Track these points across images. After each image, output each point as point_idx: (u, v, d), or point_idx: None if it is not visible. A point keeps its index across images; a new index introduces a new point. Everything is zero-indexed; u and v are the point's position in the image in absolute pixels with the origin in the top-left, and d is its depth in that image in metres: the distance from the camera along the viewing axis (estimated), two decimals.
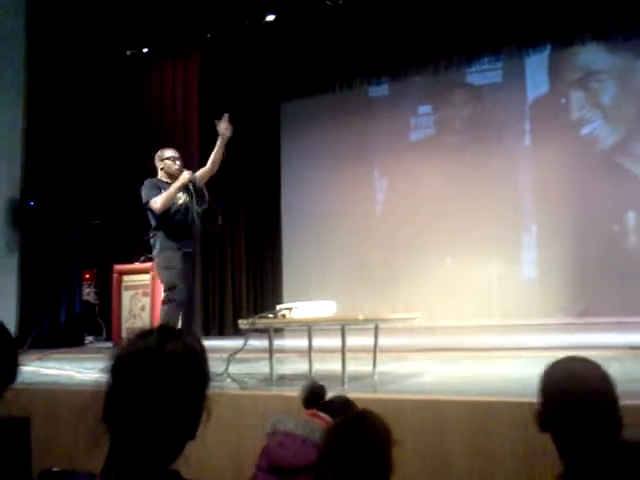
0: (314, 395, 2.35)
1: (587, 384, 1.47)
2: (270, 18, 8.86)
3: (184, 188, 4.69)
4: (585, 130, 8.54)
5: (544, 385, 1.56)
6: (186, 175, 4.69)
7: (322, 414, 2.16)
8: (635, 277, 7.91)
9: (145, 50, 9.70)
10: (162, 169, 4.87)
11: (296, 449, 1.98)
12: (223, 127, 4.81)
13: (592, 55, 8.48)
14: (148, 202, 4.68)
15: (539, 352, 4.96)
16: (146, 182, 4.83)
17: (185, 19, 8.79)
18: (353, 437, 1.69)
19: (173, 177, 4.77)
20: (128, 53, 9.65)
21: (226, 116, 4.80)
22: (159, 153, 4.95)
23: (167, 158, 4.87)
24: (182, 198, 4.71)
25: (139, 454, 1.16)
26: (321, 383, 2.49)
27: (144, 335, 1.22)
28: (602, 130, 8.45)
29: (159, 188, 4.72)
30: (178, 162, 4.87)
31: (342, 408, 2.19)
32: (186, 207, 4.71)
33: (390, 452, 1.72)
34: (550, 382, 1.54)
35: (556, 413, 1.49)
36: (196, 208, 4.73)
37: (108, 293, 7.48)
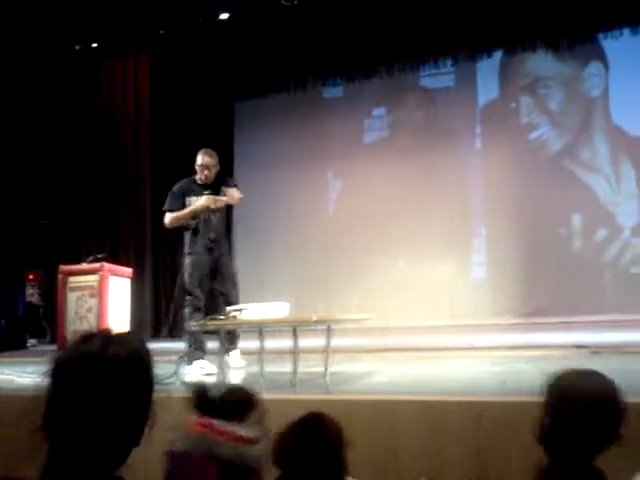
0: (203, 399, 2.12)
1: (602, 401, 1.44)
2: (224, 16, 8.78)
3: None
4: (534, 135, 8.74)
5: (555, 400, 1.49)
6: (201, 202, 4.75)
7: (216, 422, 1.86)
8: (581, 278, 8.14)
9: (94, 45, 9.45)
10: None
11: (195, 470, 1.84)
12: (235, 197, 4.85)
13: (540, 62, 8.69)
14: (164, 212, 4.87)
15: (489, 352, 5.04)
16: (178, 184, 4.93)
17: (137, 14, 8.60)
18: (306, 441, 1.67)
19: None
20: (77, 48, 9.39)
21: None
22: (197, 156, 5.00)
23: (197, 164, 4.92)
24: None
25: (80, 461, 1.11)
26: (203, 382, 2.29)
27: (87, 338, 1.17)
28: (550, 135, 8.67)
29: (183, 196, 4.83)
30: (205, 172, 4.89)
31: (239, 405, 2.01)
32: (206, 218, 4.82)
33: (344, 454, 1.70)
34: (565, 398, 1.47)
35: (565, 427, 1.43)
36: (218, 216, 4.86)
37: (53, 294, 7.28)
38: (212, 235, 4.85)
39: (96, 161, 9.38)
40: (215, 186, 4.92)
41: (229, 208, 5.16)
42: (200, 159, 4.93)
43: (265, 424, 1.93)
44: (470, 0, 7.93)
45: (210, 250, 4.86)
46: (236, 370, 4.50)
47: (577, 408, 1.41)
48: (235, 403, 1.99)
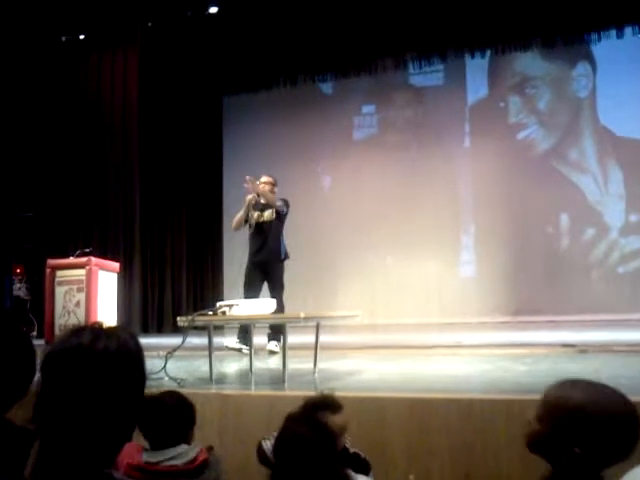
0: None
1: (611, 410, 1.36)
2: (213, 10, 8.72)
3: (255, 206, 5.44)
4: (522, 134, 8.79)
5: (555, 410, 1.40)
6: (248, 197, 5.44)
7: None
8: (567, 277, 8.21)
9: (82, 37, 9.34)
10: None
11: None
12: (258, 189, 5.38)
13: (529, 62, 8.74)
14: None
15: (476, 349, 5.06)
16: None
17: (125, 6, 8.53)
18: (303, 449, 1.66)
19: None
20: (63, 39, 9.28)
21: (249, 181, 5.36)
22: None
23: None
24: (254, 216, 5.45)
25: (70, 456, 1.10)
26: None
27: (77, 332, 1.16)
28: (538, 135, 8.72)
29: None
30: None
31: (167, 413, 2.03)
32: (257, 223, 5.45)
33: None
34: (566, 406, 1.38)
35: (566, 439, 1.35)
36: (265, 219, 5.45)
37: (41, 288, 7.21)
38: None
39: (84, 154, 9.30)
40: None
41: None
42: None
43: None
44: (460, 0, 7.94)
45: None
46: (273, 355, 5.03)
47: (584, 421, 1.34)
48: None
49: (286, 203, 5.58)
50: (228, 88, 9.65)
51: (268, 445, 1.98)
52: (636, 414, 1.36)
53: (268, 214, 5.49)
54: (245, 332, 5.04)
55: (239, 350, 5.11)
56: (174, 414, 2.05)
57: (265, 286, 5.47)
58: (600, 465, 1.35)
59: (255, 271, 5.44)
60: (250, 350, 4.10)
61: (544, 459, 1.39)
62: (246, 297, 5.14)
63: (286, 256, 5.55)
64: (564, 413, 1.37)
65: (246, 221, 5.52)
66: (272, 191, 5.57)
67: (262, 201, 5.50)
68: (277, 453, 1.74)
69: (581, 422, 1.34)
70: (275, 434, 2.05)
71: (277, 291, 5.35)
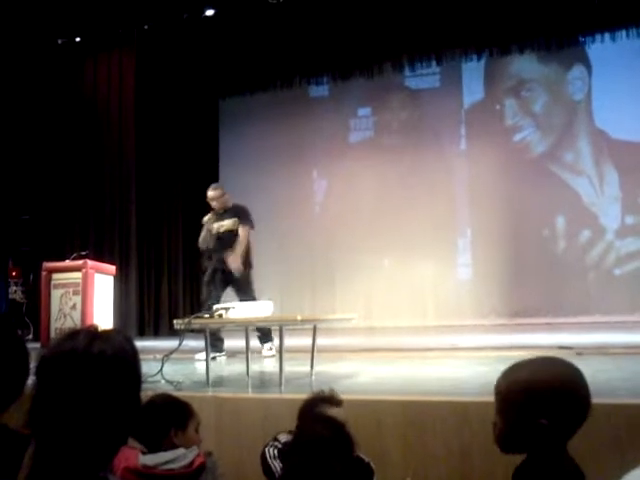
0: None
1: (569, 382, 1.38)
2: (210, 13, 8.73)
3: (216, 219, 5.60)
4: (518, 137, 8.81)
5: (508, 396, 1.41)
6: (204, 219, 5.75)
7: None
8: (563, 280, 8.22)
9: (78, 40, 9.33)
10: None
11: None
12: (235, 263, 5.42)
13: (525, 65, 8.76)
14: (252, 228, 5.65)
15: (473, 352, 5.06)
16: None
17: (122, 9, 8.53)
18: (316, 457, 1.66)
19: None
20: (60, 42, 9.27)
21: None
22: None
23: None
24: (214, 228, 5.55)
25: (66, 460, 1.10)
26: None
27: (72, 335, 1.16)
28: (533, 137, 8.74)
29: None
30: (212, 203, 5.70)
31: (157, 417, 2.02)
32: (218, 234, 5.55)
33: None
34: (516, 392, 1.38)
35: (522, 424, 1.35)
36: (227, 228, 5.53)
37: (37, 291, 7.19)
38: None
39: (80, 157, 9.29)
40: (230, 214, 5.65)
41: None
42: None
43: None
44: (456, 3, 7.96)
45: None
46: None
47: (538, 395, 1.35)
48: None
49: (244, 213, 5.64)
50: (224, 91, 9.64)
51: (272, 452, 1.97)
52: (580, 375, 1.39)
53: (229, 223, 5.55)
54: (216, 339, 5.11)
55: (213, 359, 4.98)
56: (161, 414, 2.04)
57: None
58: (565, 435, 1.36)
59: (216, 275, 5.50)
60: (247, 352, 4.09)
61: (518, 454, 1.40)
62: (207, 297, 5.37)
63: (250, 265, 5.61)
64: (518, 396, 1.38)
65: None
66: (223, 199, 5.69)
67: (219, 211, 5.64)
68: (294, 453, 1.73)
69: (536, 397, 1.36)
70: (280, 437, 2.04)
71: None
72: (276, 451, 2.09)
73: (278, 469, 2.00)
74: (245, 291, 5.48)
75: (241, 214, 5.59)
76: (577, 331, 6.57)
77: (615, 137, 8.32)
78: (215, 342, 5.06)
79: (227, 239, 5.49)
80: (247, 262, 5.57)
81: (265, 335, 5.30)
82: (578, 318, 7.73)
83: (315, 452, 1.65)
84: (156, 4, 8.49)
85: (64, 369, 1.11)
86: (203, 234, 5.63)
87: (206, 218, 5.72)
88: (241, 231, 5.50)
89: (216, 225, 5.59)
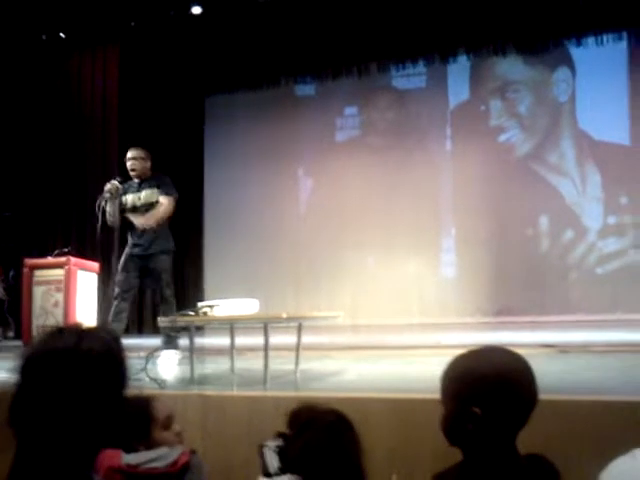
0: None
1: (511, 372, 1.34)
2: (196, 10, 8.69)
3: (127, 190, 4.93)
4: (503, 137, 8.86)
5: (448, 385, 1.39)
6: (107, 186, 4.86)
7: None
8: (547, 279, 8.29)
9: (63, 36, 9.25)
10: None
11: None
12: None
13: (510, 66, 8.82)
14: (176, 199, 5.05)
15: (457, 350, 5.07)
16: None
17: (108, 5, 8.46)
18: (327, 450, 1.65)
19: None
20: (44, 37, 9.18)
21: None
22: None
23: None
24: (129, 200, 4.92)
25: (49, 459, 1.09)
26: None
27: (58, 333, 1.15)
28: (518, 138, 8.80)
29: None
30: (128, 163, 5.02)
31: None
32: (134, 207, 4.98)
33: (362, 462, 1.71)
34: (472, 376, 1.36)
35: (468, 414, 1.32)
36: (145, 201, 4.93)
37: (18, 288, 7.11)
38: None
39: (63, 153, 9.21)
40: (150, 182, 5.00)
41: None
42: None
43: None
44: (442, 3, 7.99)
45: None
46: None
47: (474, 383, 1.33)
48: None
49: (166, 182, 4.95)
50: (210, 88, 9.60)
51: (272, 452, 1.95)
52: (524, 367, 1.36)
53: (147, 194, 4.85)
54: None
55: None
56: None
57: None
58: (505, 427, 1.33)
59: (132, 261, 4.90)
60: (231, 350, 4.08)
61: (461, 449, 1.39)
62: (120, 285, 4.82)
63: (171, 248, 4.96)
64: (454, 384, 1.39)
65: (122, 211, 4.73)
66: (145, 163, 5.03)
67: (135, 180, 4.90)
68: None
69: (470, 385, 1.35)
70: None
71: (164, 289, 4.81)
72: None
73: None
74: (160, 279, 4.72)
75: (162, 183, 4.89)
76: (560, 329, 6.64)
77: (598, 139, 8.40)
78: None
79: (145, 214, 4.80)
80: (167, 241, 4.83)
81: (170, 342, 4.78)
82: (561, 316, 7.81)
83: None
84: (143, 1, 8.44)
85: (51, 367, 1.10)
86: (110, 208, 4.68)
87: (109, 186, 4.72)
88: (163, 199, 4.75)
89: (131, 197, 4.83)
